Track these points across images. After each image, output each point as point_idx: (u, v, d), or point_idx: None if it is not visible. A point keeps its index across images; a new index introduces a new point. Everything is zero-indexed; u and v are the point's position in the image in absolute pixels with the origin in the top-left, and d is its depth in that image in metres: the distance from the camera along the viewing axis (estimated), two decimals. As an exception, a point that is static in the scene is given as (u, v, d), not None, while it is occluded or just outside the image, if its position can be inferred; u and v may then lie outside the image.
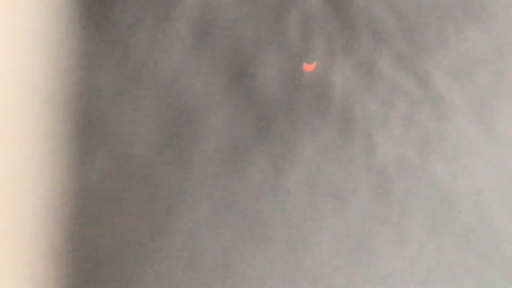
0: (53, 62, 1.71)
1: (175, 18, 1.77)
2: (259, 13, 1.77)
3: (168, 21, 1.77)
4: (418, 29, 1.76)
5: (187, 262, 1.71)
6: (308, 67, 1.74)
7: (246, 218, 1.73)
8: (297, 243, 1.72)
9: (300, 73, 1.73)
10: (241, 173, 1.74)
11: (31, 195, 1.66)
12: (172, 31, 1.76)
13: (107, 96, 1.74)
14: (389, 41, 1.76)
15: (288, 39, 1.75)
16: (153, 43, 1.75)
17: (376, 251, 1.71)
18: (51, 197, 1.67)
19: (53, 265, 1.66)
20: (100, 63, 1.74)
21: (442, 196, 1.73)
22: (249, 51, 1.76)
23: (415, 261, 1.71)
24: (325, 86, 1.75)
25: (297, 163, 1.74)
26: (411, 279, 1.70)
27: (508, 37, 1.77)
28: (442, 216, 1.73)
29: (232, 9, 1.77)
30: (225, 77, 1.75)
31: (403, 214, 1.72)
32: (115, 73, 1.74)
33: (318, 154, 1.74)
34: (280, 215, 1.73)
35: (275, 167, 1.74)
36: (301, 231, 1.72)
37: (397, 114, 1.74)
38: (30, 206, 1.66)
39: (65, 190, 1.68)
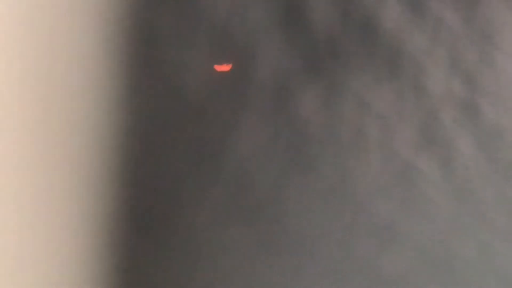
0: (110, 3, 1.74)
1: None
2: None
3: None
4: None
5: (235, 191, 1.75)
6: (221, 68, 1.78)
7: (294, 152, 1.77)
8: (344, 176, 1.76)
9: None
10: (289, 107, 1.78)
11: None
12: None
13: (162, 33, 1.77)
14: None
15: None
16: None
17: (421, 182, 1.75)
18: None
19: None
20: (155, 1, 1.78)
21: (486, 132, 1.77)
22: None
23: (459, 185, 1.75)
24: (372, 21, 1.79)
25: (344, 97, 1.78)
26: (456, 200, 1.74)
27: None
28: (487, 150, 1.76)
29: None
30: (278, 12, 1.79)
31: (449, 146, 1.76)
32: (169, 10, 1.78)
33: (365, 89, 1.78)
34: (328, 148, 1.77)
35: (323, 101, 1.78)
36: (348, 166, 1.76)
37: (444, 51, 1.78)
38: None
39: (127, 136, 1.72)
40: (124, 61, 1.69)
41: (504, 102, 1.77)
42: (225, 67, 1.76)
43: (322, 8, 1.78)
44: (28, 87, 1.55)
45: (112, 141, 1.67)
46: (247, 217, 1.75)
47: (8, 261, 1.49)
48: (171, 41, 1.75)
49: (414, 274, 1.73)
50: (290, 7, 1.79)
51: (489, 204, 1.74)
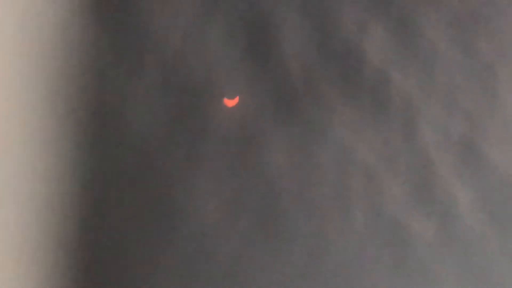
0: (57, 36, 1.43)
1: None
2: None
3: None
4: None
5: (193, 257, 1.46)
6: (229, 102, 1.48)
7: (262, 212, 1.47)
8: (323, 244, 1.47)
9: None
10: (256, 157, 1.49)
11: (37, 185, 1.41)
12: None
13: (109, 63, 1.46)
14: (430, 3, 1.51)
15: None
16: (160, 8, 1.47)
17: (416, 247, 1.47)
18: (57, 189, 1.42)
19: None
20: (102, 32, 1.47)
21: (490, 183, 1.49)
22: (269, 14, 1.50)
23: (460, 249, 1.48)
24: (355, 52, 1.50)
25: (322, 143, 1.49)
26: (457, 267, 1.47)
27: None
28: (491, 205, 1.49)
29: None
30: (241, 44, 1.49)
31: (447, 201, 1.48)
32: (118, 40, 1.47)
33: (347, 132, 1.49)
34: (302, 207, 1.48)
35: (297, 148, 1.49)
36: (328, 231, 1.48)
37: (440, 86, 1.50)
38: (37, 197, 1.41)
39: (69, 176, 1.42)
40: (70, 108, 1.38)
41: (510, 145, 1.50)
42: (234, 101, 1.45)
43: (295, 38, 1.48)
44: None
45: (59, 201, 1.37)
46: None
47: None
48: (117, 74, 1.45)
49: None
50: (257, 39, 1.49)
51: (495, 274, 1.47)
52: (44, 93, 1.42)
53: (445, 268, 1.46)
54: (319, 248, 1.45)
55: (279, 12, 1.49)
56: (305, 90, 1.49)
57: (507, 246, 1.47)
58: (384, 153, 1.48)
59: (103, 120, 1.43)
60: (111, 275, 1.42)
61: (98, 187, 1.43)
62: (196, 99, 1.48)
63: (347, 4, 1.49)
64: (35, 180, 1.41)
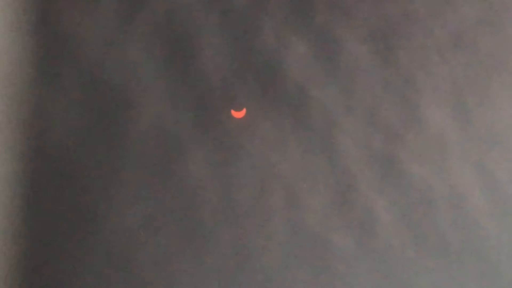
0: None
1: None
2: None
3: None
4: (386, 5, 1.52)
5: (117, 266, 1.44)
6: (237, 114, 1.48)
7: (183, 224, 1.46)
8: (244, 253, 1.46)
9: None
10: (176, 169, 1.48)
11: None
12: (100, 7, 1.48)
13: (26, 71, 1.44)
14: (352, 18, 1.51)
15: (233, 8, 1.49)
16: (79, 19, 1.46)
17: (336, 261, 1.47)
18: None
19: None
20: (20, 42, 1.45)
21: (411, 196, 1.50)
22: (189, 27, 1.49)
23: (380, 263, 1.47)
24: (277, 69, 1.50)
25: (242, 154, 1.48)
26: (377, 282, 1.46)
27: (479, 20, 1.54)
28: (410, 218, 1.49)
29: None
30: (160, 55, 1.48)
31: (367, 215, 1.48)
32: (36, 49, 1.45)
33: (267, 144, 1.49)
34: (223, 218, 1.47)
35: (217, 160, 1.48)
36: (249, 240, 1.47)
37: (360, 102, 1.50)
38: None
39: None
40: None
41: (430, 158, 1.50)
42: (241, 113, 1.44)
43: (216, 51, 1.48)
44: None
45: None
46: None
47: None
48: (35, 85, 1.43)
49: None
50: (177, 50, 1.48)
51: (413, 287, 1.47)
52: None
53: (364, 280, 1.46)
54: (239, 258, 1.44)
55: (199, 25, 1.49)
56: (224, 103, 1.48)
57: (425, 259, 1.47)
58: (304, 167, 1.48)
59: (21, 129, 1.41)
60: (35, 278, 1.40)
61: (20, 192, 1.41)
62: (114, 110, 1.47)
63: (267, 19, 1.49)
64: None
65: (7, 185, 1.43)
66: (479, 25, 1.48)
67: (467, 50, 1.48)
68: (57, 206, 1.43)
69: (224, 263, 1.44)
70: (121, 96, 1.47)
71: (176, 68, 1.48)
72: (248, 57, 1.48)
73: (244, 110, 1.48)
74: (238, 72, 1.48)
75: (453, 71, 1.49)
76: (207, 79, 1.48)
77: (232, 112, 1.47)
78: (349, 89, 1.49)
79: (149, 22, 1.48)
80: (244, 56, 1.48)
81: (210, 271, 1.44)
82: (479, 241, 1.47)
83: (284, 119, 1.48)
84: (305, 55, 1.49)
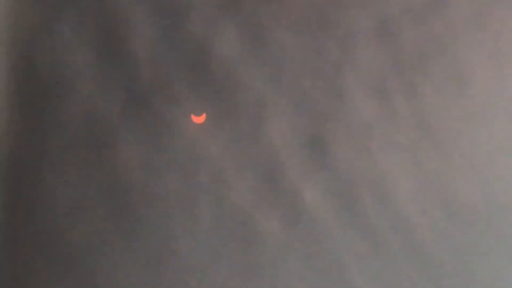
0: None
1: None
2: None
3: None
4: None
5: (48, 249, 1.47)
6: (197, 119, 1.51)
7: (116, 211, 1.49)
8: (172, 241, 1.49)
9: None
10: (107, 154, 1.51)
11: None
12: None
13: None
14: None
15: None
16: (10, 5, 1.49)
17: (258, 236, 1.50)
18: None
19: None
20: None
21: (338, 179, 1.53)
22: (119, 12, 1.52)
23: (307, 244, 1.51)
24: (205, 53, 1.53)
25: (173, 140, 1.51)
26: (303, 262, 1.49)
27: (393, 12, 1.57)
28: (342, 198, 1.52)
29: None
30: (90, 42, 1.51)
31: (293, 198, 1.52)
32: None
33: (196, 129, 1.52)
34: (154, 204, 1.50)
35: (149, 146, 1.51)
36: (178, 226, 1.50)
37: (288, 88, 1.53)
38: None
39: None
40: None
41: (356, 144, 1.54)
42: (201, 118, 1.48)
43: (145, 36, 1.51)
44: None
45: None
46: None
47: None
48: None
49: None
50: (107, 36, 1.51)
51: (340, 270, 1.50)
52: None
53: (292, 262, 1.49)
54: (165, 242, 1.48)
55: (129, 10, 1.52)
56: (154, 87, 1.51)
57: (351, 242, 1.51)
58: (231, 150, 1.51)
59: None
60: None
61: None
62: (45, 97, 1.50)
63: (197, 3, 1.52)
64: None
65: None
66: (404, 14, 1.52)
67: (392, 38, 1.52)
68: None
69: (149, 245, 1.48)
70: (52, 80, 1.50)
71: (106, 54, 1.51)
72: (177, 40, 1.51)
73: (204, 115, 1.51)
74: (168, 56, 1.52)
75: (379, 59, 1.52)
76: (136, 63, 1.51)
77: (192, 117, 1.51)
78: (277, 74, 1.52)
79: (80, 8, 1.51)
80: (173, 40, 1.51)
81: (137, 254, 1.47)
82: (404, 224, 1.51)
83: (212, 101, 1.51)
84: (234, 39, 1.52)
